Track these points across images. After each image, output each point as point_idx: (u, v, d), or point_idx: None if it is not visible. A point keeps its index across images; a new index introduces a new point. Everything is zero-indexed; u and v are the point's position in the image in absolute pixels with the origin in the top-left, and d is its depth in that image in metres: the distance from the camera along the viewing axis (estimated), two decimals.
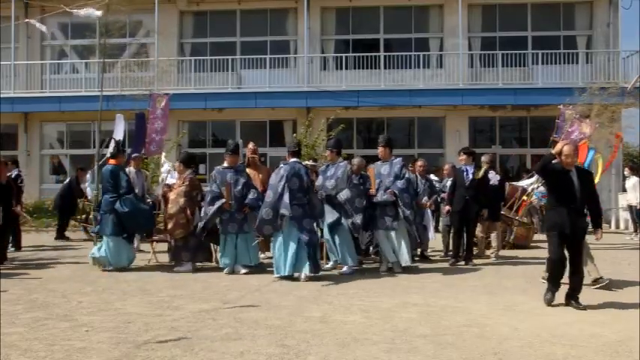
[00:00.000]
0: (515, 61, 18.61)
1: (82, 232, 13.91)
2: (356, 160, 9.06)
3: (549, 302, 6.22)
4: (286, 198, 7.74)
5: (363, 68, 19.31)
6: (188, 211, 8.60)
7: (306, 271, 7.74)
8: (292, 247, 7.75)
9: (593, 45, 19.42)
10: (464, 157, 9.68)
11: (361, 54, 19.41)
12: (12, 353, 4.43)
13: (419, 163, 10.40)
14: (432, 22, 20.36)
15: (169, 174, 11.58)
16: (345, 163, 8.65)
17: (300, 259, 7.76)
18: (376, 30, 20.39)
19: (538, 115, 18.73)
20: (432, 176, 10.60)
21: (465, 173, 9.55)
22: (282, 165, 8.11)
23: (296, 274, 7.76)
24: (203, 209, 8.59)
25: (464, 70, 18.91)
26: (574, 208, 6.19)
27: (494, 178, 9.98)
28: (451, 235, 9.99)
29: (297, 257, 7.76)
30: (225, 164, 8.69)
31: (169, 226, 8.58)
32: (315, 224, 8.17)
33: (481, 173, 9.57)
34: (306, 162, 9.69)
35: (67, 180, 14.99)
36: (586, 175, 6.49)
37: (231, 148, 8.71)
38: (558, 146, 6.37)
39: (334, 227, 8.44)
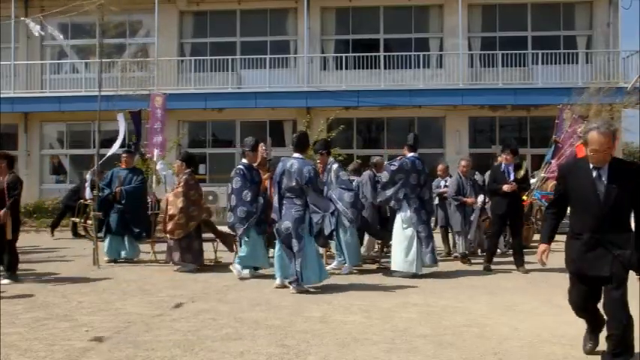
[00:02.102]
0: (515, 61, 18.61)
1: (70, 233, 14.04)
2: (377, 159, 9.74)
3: (588, 352, 4.47)
4: (275, 201, 7.29)
5: (363, 68, 19.32)
6: (189, 211, 8.64)
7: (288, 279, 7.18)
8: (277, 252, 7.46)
9: (593, 45, 19.42)
10: (508, 156, 9.13)
11: (361, 54, 19.41)
12: (12, 353, 4.42)
13: (462, 163, 9.99)
14: (432, 22, 20.36)
15: (166, 173, 11.52)
16: (333, 162, 8.64)
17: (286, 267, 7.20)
18: (376, 30, 20.39)
19: (538, 115, 18.73)
20: (477, 175, 10.36)
21: (505, 173, 9.01)
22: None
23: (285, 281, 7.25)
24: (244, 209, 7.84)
25: (464, 70, 18.92)
26: (597, 238, 4.04)
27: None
28: (485, 237, 9.81)
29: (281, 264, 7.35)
30: (245, 161, 8.17)
31: (169, 227, 8.60)
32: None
33: (522, 172, 9.09)
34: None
35: (80, 181, 15.23)
36: (627, 176, 4.06)
37: (252, 145, 8.21)
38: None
39: (343, 228, 8.44)
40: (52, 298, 6.59)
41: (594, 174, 4.07)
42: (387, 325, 5.36)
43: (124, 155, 10.24)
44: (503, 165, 9.10)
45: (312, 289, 7.03)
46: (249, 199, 7.88)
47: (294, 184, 7.02)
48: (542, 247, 4.38)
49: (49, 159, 21.35)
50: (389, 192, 8.31)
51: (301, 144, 7.37)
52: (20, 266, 8.04)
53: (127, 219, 9.69)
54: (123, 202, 9.71)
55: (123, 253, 9.75)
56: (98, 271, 8.74)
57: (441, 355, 4.45)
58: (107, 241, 9.76)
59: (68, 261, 9.84)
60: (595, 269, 4.05)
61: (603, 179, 4.04)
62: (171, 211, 8.60)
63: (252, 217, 7.87)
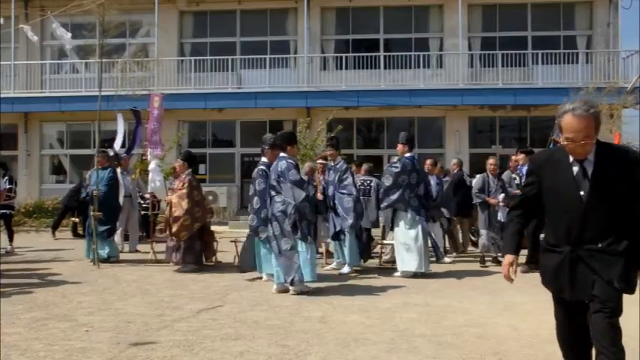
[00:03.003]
0: (515, 61, 18.61)
1: (70, 233, 14.06)
2: (396, 159, 9.59)
3: None
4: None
5: (363, 68, 19.32)
6: (194, 212, 8.68)
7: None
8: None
9: (593, 45, 19.42)
10: (521, 156, 9.15)
11: (361, 54, 19.41)
12: (12, 353, 4.42)
13: (490, 161, 9.67)
14: (432, 22, 20.36)
15: (155, 173, 11.46)
16: (343, 164, 8.68)
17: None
18: (376, 30, 20.39)
19: (538, 115, 18.73)
20: (505, 175, 10.32)
21: (520, 174, 9.11)
22: None
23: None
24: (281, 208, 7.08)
25: (464, 70, 18.92)
26: (578, 253, 3.12)
27: None
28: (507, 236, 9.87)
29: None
30: (266, 160, 7.72)
31: (174, 228, 8.61)
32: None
33: None
34: (319, 160, 9.60)
35: (79, 181, 15.22)
36: (617, 166, 3.08)
37: (271, 142, 7.72)
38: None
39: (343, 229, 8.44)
40: (52, 298, 6.59)
41: (575, 169, 3.10)
42: (387, 325, 5.36)
43: (97, 155, 10.21)
44: (520, 167, 9.13)
45: (310, 288, 7.00)
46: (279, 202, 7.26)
47: (273, 182, 7.02)
48: (508, 258, 3.35)
49: (49, 159, 21.35)
50: (394, 196, 8.20)
51: (280, 142, 7.28)
52: (20, 266, 8.04)
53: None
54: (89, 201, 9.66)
55: (102, 253, 9.59)
56: (98, 271, 8.74)
57: (441, 355, 4.45)
58: (86, 242, 9.83)
59: (68, 261, 9.84)
60: (577, 293, 3.12)
61: (588, 175, 3.07)
62: (176, 213, 8.62)
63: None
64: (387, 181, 8.28)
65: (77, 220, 13.75)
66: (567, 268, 3.12)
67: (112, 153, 10.95)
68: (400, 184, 8.17)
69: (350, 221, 8.32)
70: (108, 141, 10.74)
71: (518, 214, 3.40)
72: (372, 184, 9.55)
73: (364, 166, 10.25)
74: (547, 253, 3.25)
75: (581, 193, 3.05)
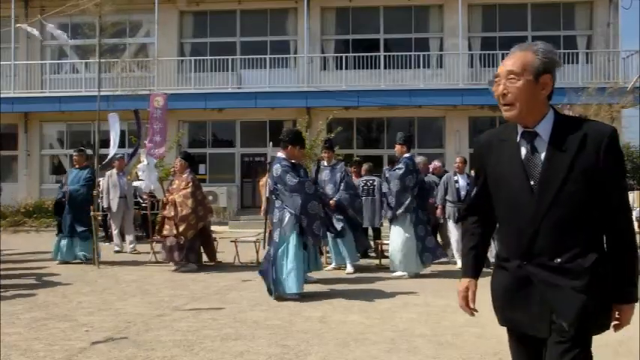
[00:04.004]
0: None
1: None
2: (420, 159, 9.56)
3: None
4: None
5: (363, 68, 19.32)
6: (198, 211, 8.75)
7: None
8: None
9: (593, 45, 19.43)
10: None
11: (361, 54, 19.41)
12: (12, 353, 4.42)
13: None
14: (432, 22, 20.37)
15: (150, 172, 11.42)
16: (342, 166, 8.71)
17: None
18: (376, 30, 20.40)
19: None
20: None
21: None
22: None
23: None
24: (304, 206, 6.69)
25: (464, 70, 18.92)
26: (528, 269, 2.22)
27: None
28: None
29: None
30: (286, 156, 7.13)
31: (181, 228, 8.66)
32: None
33: None
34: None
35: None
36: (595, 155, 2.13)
37: (292, 138, 7.01)
38: None
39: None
40: (52, 298, 6.59)
41: (523, 149, 2.20)
42: (387, 325, 5.36)
43: (74, 155, 10.17)
44: None
45: (294, 296, 6.58)
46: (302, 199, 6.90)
47: (271, 186, 6.85)
48: (463, 284, 2.48)
49: (49, 159, 21.36)
50: (407, 200, 8.11)
51: (283, 138, 6.97)
52: (21, 266, 8.04)
53: (71, 218, 9.53)
54: (66, 201, 9.59)
55: (78, 253, 9.55)
56: (98, 271, 8.74)
57: (441, 355, 4.45)
58: (55, 242, 9.69)
59: (68, 261, 9.83)
60: (530, 326, 2.23)
61: (539, 155, 2.17)
62: (183, 212, 8.67)
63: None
64: (396, 186, 8.15)
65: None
66: (515, 291, 2.23)
67: (89, 152, 10.83)
68: (408, 186, 8.16)
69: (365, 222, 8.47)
70: (107, 141, 10.72)
71: (473, 223, 2.45)
72: (376, 183, 9.58)
73: (365, 166, 10.26)
74: (497, 271, 2.34)
75: (532, 183, 2.15)
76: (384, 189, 8.59)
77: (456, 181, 9.24)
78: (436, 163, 10.84)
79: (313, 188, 6.88)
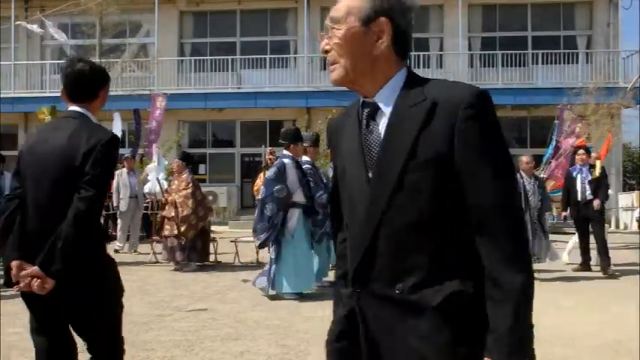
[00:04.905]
0: (515, 61, 18.62)
1: None
2: (525, 159, 9.04)
3: None
4: None
5: None
6: (198, 211, 8.78)
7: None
8: None
9: (593, 45, 19.43)
10: (584, 156, 8.75)
11: None
12: (12, 353, 4.42)
13: (525, 159, 8.49)
14: (432, 22, 20.37)
15: (151, 172, 11.43)
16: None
17: None
18: None
19: (538, 115, 18.74)
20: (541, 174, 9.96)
21: (578, 173, 8.71)
22: None
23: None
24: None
25: (464, 70, 18.92)
26: (359, 294, 1.50)
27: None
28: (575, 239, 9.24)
29: None
30: (308, 158, 7.38)
31: (183, 228, 8.69)
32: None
33: (598, 171, 8.78)
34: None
35: None
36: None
37: (314, 139, 7.46)
38: None
39: None
40: None
41: (364, 127, 1.54)
42: None
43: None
44: (578, 166, 8.83)
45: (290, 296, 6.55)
46: (324, 200, 7.03)
47: None
48: None
49: None
50: None
51: (283, 144, 6.95)
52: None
53: None
54: None
55: None
56: None
57: None
58: None
59: None
60: None
61: (379, 134, 1.51)
62: (184, 213, 8.71)
63: (327, 221, 6.97)
64: None
65: None
66: (344, 333, 1.57)
67: None
68: None
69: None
70: None
71: (343, 242, 1.68)
72: None
73: None
74: (336, 295, 1.67)
75: (369, 175, 1.49)
76: None
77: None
78: None
79: (284, 192, 6.60)
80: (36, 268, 2.33)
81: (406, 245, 1.43)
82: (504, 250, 1.37)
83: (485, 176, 1.39)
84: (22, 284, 2.37)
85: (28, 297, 2.44)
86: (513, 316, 1.35)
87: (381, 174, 1.46)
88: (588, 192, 8.61)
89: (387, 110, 1.49)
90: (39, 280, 2.33)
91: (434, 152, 1.40)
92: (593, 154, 9.32)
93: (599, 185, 8.74)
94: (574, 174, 8.84)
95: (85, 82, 2.57)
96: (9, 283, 2.45)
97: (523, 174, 8.23)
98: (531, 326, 1.40)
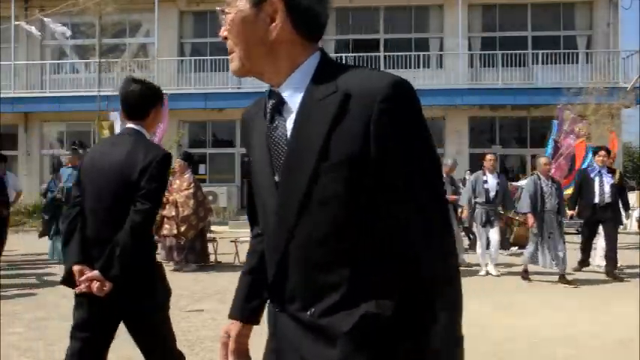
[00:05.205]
0: (515, 61, 18.61)
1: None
2: (450, 161, 9.36)
3: None
4: None
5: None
6: (198, 212, 8.81)
7: None
8: None
9: (593, 45, 19.43)
10: (605, 158, 8.38)
11: (361, 54, 19.41)
12: (12, 353, 4.42)
13: (543, 161, 8.23)
14: (432, 22, 20.36)
15: None
16: None
17: None
18: (376, 30, 20.40)
19: (538, 115, 18.73)
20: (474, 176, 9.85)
21: (597, 175, 8.34)
22: None
23: None
24: None
25: (464, 70, 18.92)
26: (284, 310, 1.33)
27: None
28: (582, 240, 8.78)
29: None
30: None
31: (182, 228, 8.72)
32: None
33: (618, 177, 8.50)
34: None
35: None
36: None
37: None
38: None
39: None
40: (52, 298, 6.58)
41: (269, 122, 1.33)
42: None
43: (68, 154, 10.13)
44: (597, 167, 8.42)
45: None
46: None
47: None
48: (227, 326, 1.65)
49: (49, 159, 21.37)
50: None
51: None
52: (21, 266, 8.04)
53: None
54: (63, 200, 9.40)
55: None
56: None
57: None
58: (51, 243, 9.64)
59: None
60: None
61: (284, 125, 1.30)
62: (185, 213, 8.74)
63: None
64: None
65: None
66: (268, 355, 1.50)
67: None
68: None
69: None
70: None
71: (255, 236, 1.62)
72: None
73: None
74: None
75: (276, 178, 1.31)
76: None
77: (485, 181, 8.54)
78: None
79: None
80: (96, 272, 2.52)
81: (319, 261, 1.24)
82: (427, 274, 1.21)
83: (408, 179, 1.21)
84: (82, 286, 2.55)
85: (86, 298, 2.61)
86: (435, 342, 1.23)
87: (289, 179, 1.26)
88: (607, 195, 8.24)
89: (293, 104, 1.28)
90: (98, 283, 2.52)
91: (348, 153, 1.20)
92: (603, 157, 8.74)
93: (620, 190, 8.51)
94: (592, 175, 8.44)
95: (137, 102, 2.76)
96: (68, 283, 2.64)
97: (541, 175, 7.96)
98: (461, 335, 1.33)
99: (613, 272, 8.17)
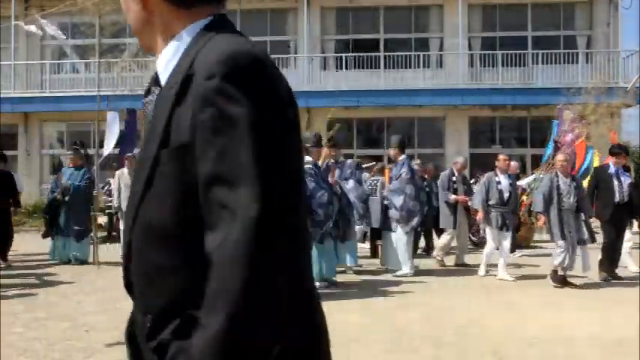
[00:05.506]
0: (515, 61, 18.62)
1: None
2: (460, 159, 9.71)
3: None
4: None
5: (363, 68, 19.32)
6: None
7: None
8: None
9: (593, 45, 19.43)
10: (619, 158, 8.21)
11: (361, 54, 19.42)
12: (12, 353, 4.42)
13: (560, 158, 8.08)
14: (432, 22, 20.37)
15: None
16: (350, 164, 8.87)
17: None
18: (376, 30, 20.39)
19: (538, 115, 18.73)
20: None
21: (615, 176, 8.14)
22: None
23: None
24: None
25: (464, 70, 18.92)
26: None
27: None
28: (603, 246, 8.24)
29: None
30: (310, 159, 7.35)
31: None
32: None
33: (634, 174, 8.42)
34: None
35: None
36: None
37: (315, 140, 7.65)
38: None
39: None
40: (52, 298, 6.58)
41: (144, 97, 1.28)
42: (387, 325, 5.36)
43: (70, 154, 10.10)
44: (612, 167, 8.23)
45: None
46: (325, 200, 7.12)
47: None
48: None
49: (49, 159, 21.38)
50: (417, 206, 8.30)
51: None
52: (21, 266, 8.04)
53: (68, 217, 9.49)
54: (66, 198, 9.52)
55: (72, 254, 9.50)
56: (98, 271, 8.74)
57: (441, 355, 4.45)
58: (52, 242, 9.67)
59: (69, 261, 9.83)
60: None
61: (150, 107, 1.23)
62: None
63: (329, 221, 7.22)
64: (406, 191, 8.20)
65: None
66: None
67: (83, 152, 10.67)
68: (406, 191, 8.24)
69: (360, 211, 8.58)
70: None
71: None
72: (379, 183, 9.65)
73: (379, 165, 10.58)
74: None
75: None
76: (385, 192, 8.70)
77: (498, 182, 8.33)
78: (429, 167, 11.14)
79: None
80: None
81: (150, 265, 1.09)
82: (214, 288, 0.96)
83: (214, 189, 0.98)
84: None
85: None
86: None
87: (139, 167, 1.14)
88: (626, 193, 8.05)
89: (163, 80, 1.17)
90: None
91: (178, 143, 1.05)
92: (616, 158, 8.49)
93: (637, 187, 8.35)
94: (610, 173, 8.21)
95: None
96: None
97: (559, 173, 7.73)
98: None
99: (613, 272, 8.18)
